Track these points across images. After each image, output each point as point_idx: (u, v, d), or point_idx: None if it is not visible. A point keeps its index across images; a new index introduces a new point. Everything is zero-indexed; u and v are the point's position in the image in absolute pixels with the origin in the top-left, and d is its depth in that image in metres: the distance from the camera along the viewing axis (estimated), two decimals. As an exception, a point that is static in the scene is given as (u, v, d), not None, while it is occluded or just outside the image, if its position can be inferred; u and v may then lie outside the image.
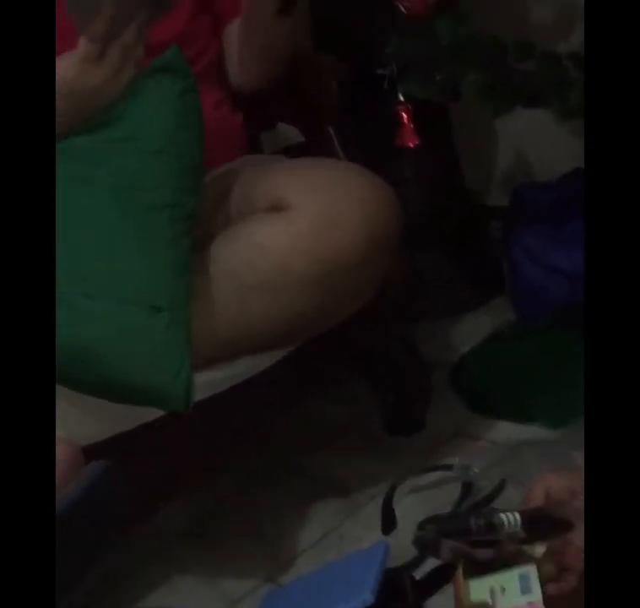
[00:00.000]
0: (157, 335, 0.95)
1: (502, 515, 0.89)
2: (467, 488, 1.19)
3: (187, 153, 1.03)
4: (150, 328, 0.95)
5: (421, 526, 1.11)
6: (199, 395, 1.00)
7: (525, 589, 0.87)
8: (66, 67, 1.01)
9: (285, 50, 1.22)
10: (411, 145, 1.29)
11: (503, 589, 0.89)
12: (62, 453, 0.91)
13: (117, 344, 0.94)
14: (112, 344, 0.94)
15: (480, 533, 0.90)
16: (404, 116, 1.27)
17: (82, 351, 0.94)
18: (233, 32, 1.26)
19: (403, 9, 1.23)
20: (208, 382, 1.05)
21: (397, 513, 1.18)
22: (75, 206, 0.99)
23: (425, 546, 1.06)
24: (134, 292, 0.95)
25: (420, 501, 1.21)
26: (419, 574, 1.07)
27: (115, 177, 1.00)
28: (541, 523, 0.90)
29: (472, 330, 1.59)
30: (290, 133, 1.42)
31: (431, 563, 1.07)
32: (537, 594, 0.86)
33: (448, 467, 1.23)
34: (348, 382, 1.40)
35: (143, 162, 1.01)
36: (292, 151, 1.33)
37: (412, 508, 1.19)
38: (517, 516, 0.89)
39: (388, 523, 1.18)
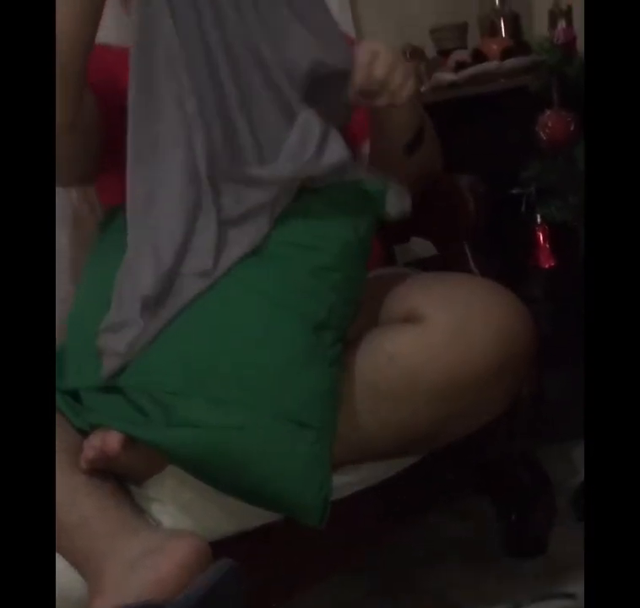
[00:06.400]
0: (303, 451, 0.97)
1: None
2: (589, 619, 1.14)
3: (357, 275, 1.08)
4: (298, 444, 0.97)
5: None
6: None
7: None
8: None
9: (415, 177, 1.25)
10: (547, 266, 1.30)
11: None
12: (189, 546, 0.93)
13: (263, 455, 0.96)
14: (258, 454, 0.96)
15: None
16: (541, 237, 1.29)
17: (227, 456, 0.96)
18: (366, 152, 1.30)
19: (543, 136, 1.27)
20: (333, 486, 1.06)
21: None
22: (240, 309, 1.01)
23: None
24: (290, 408, 0.97)
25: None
26: None
27: (285, 289, 1.02)
28: None
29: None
30: (422, 245, 1.45)
31: None
32: None
33: (570, 596, 1.19)
34: (470, 497, 1.38)
35: (318, 278, 1.03)
36: (426, 264, 1.36)
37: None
38: None
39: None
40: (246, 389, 0.97)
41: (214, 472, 0.98)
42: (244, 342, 0.99)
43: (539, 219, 1.28)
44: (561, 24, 1.55)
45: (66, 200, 1.41)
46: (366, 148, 1.30)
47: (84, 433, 1.00)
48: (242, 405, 0.96)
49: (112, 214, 1.16)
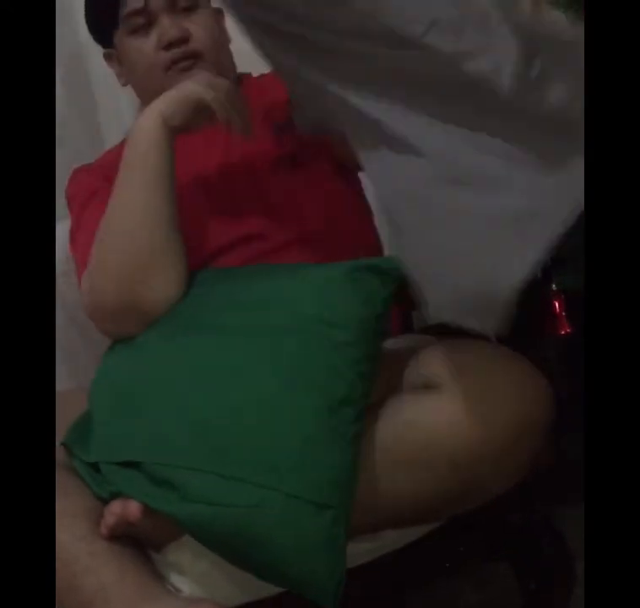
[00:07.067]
0: (320, 533, 0.96)
1: None
2: None
3: (375, 350, 1.08)
4: (314, 526, 0.96)
5: None
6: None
7: None
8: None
9: None
10: (563, 333, 1.31)
11: None
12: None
13: (278, 536, 0.95)
14: (273, 535, 0.95)
15: None
16: (557, 305, 1.30)
17: (242, 535, 0.96)
18: None
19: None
20: (350, 553, 1.05)
21: None
22: (258, 384, 1.01)
23: None
24: (308, 488, 0.96)
25: None
26: None
27: (304, 364, 1.02)
28: None
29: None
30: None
31: None
32: None
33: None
34: (488, 563, 1.37)
35: (338, 353, 1.04)
36: (443, 330, 1.37)
37: None
38: None
39: None
40: (263, 468, 0.96)
41: (228, 548, 0.98)
42: (262, 419, 0.99)
43: (554, 287, 1.29)
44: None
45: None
46: None
47: (105, 501, 1.01)
48: (259, 484, 0.95)
49: None
